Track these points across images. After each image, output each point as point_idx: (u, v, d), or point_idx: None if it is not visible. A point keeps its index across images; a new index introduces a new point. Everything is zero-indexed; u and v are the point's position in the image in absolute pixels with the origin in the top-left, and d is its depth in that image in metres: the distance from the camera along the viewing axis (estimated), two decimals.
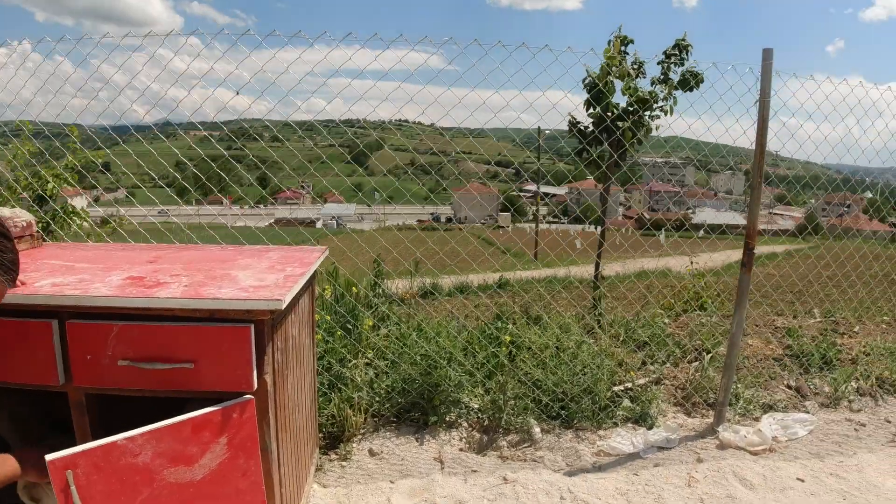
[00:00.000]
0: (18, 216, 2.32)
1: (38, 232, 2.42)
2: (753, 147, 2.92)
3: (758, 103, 2.86)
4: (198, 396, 1.65)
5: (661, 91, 4.11)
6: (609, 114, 3.87)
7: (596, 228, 4.30)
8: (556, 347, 3.44)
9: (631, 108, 3.95)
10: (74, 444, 1.76)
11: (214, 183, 4.03)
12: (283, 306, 1.57)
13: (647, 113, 4.05)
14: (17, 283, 1.69)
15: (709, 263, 5.97)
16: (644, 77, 4.16)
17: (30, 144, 3.79)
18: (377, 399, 3.01)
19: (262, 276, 1.80)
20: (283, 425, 1.88)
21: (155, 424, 1.52)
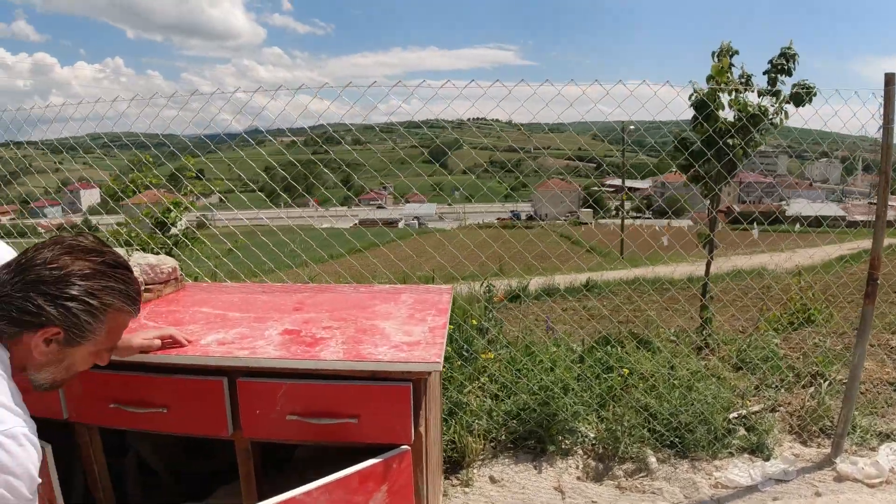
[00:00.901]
0: (164, 262, 2.50)
1: (180, 275, 2.60)
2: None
3: (881, 130, 2.71)
4: (348, 446, 1.75)
5: (771, 104, 3.95)
6: (717, 132, 3.76)
7: (709, 250, 4.14)
8: (670, 369, 3.41)
9: (740, 124, 3.82)
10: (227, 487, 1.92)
11: (301, 185, 4.18)
12: (441, 367, 1.64)
13: (756, 128, 3.90)
14: (185, 340, 1.84)
15: (807, 260, 5.72)
16: (752, 90, 4.01)
17: (152, 177, 4.04)
18: (495, 426, 3.07)
19: (409, 329, 1.88)
20: (428, 466, 1.96)
21: (327, 478, 1.61)
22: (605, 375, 3.29)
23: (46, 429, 1.91)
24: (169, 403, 1.80)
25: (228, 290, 2.61)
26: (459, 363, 3.19)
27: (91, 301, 1.30)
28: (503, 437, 3.08)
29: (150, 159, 4.25)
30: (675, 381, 3.28)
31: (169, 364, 1.78)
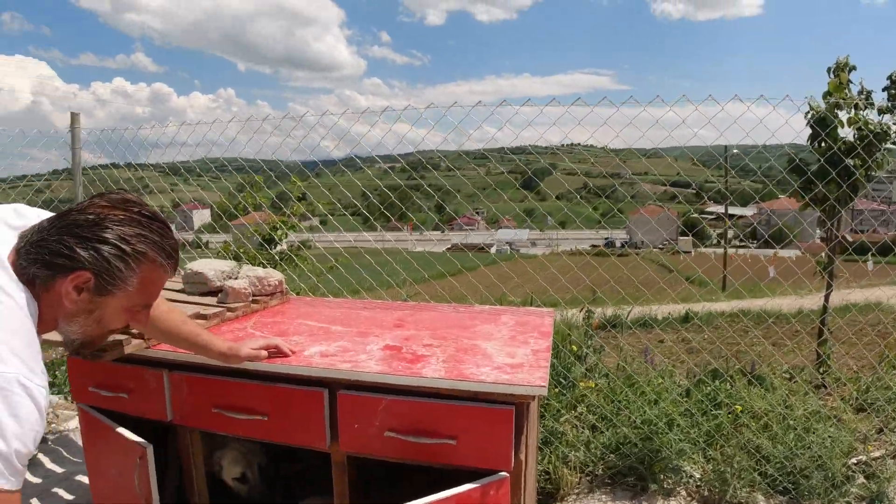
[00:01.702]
0: (271, 275, 2.56)
1: (286, 288, 2.66)
2: None
3: None
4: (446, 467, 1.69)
5: (894, 122, 3.64)
6: (838, 150, 3.50)
7: (828, 281, 3.84)
8: (786, 408, 3.15)
9: (862, 143, 3.54)
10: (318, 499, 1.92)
11: (395, 211, 4.22)
12: (545, 392, 1.57)
13: (882, 146, 3.60)
14: (289, 351, 1.86)
15: None
16: (873, 108, 3.72)
17: (261, 196, 4.23)
18: (592, 459, 2.93)
19: (511, 350, 1.82)
20: (526, 496, 1.87)
21: (423, 500, 1.57)
22: (713, 412, 3.08)
23: (148, 430, 2.00)
24: (269, 412, 1.82)
25: (331, 304, 2.64)
26: (557, 390, 3.08)
27: (123, 247, 1.25)
28: (600, 471, 2.94)
29: (261, 180, 4.45)
30: (791, 422, 3.02)
31: (272, 373, 1.81)
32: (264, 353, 1.80)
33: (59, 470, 3.23)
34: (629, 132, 2.97)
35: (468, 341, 1.94)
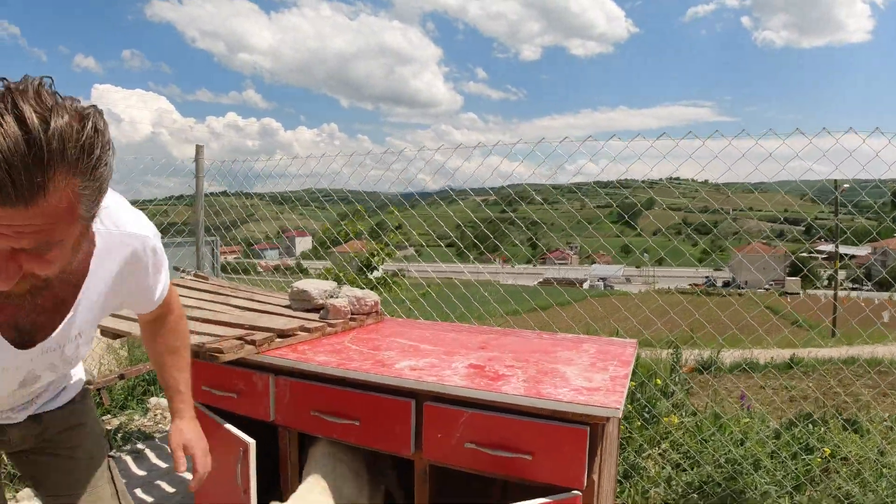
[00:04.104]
0: (368, 296, 2.75)
1: (381, 309, 2.84)
2: None
3: None
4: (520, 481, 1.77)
5: None
6: None
7: None
8: (879, 454, 2.99)
9: None
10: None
11: (488, 243, 4.34)
12: (620, 414, 1.63)
13: None
14: (380, 363, 2.02)
15: None
16: None
17: (362, 224, 4.50)
18: (673, 496, 2.90)
19: (589, 376, 1.90)
20: None
21: None
22: (803, 455, 2.96)
23: (252, 428, 2.20)
24: (361, 417, 1.98)
25: (421, 326, 2.80)
26: (639, 424, 3.08)
27: None
28: None
29: (364, 210, 4.73)
30: (885, 469, 2.87)
31: (365, 381, 1.97)
32: (180, 455, 1.53)
33: (163, 465, 3.54)
34: (729, 164, 2.93)
35: (549, 365, 2.02)
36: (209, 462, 1.57)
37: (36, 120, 0.76)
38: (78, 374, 1.58)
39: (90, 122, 0.83)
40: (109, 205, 1.15)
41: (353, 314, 2.66)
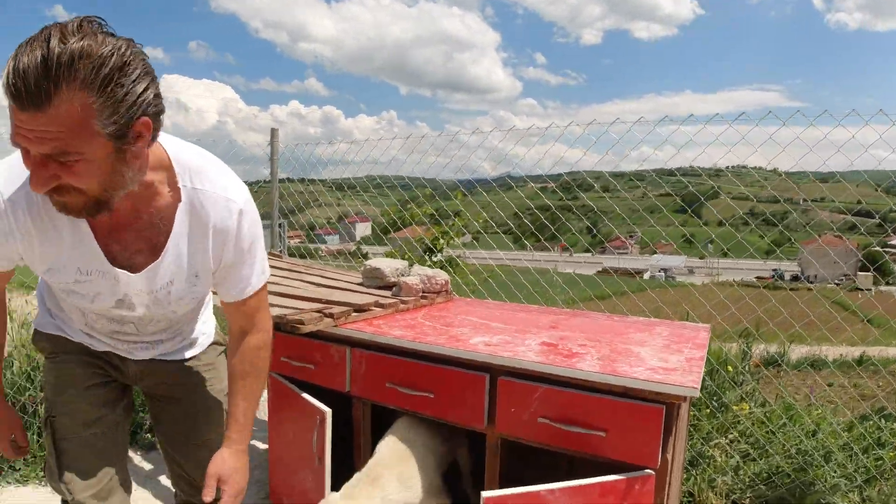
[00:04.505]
0: (438, 275, 2.81)
1: (450, 288, 2.90)
2: None
3: None
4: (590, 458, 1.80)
5: None
6: None
7: None
8: None
9: None
10: None
11: (546, 231, 4.33)
12: (697, 394, 1.64)
13: None
14: (454, 338, 2.07)
15: None
16: None
17: (427, 208, 4.57)
18: (740, 486, 2.86)
19: (664, 357, 1.90)
20: (669, 499, 1.93)
21: (571, 482, 1.69)
22: (876, 450, 2.88)
23: (329, 398, 2.29)
24: (435, 390, 2.04)
25: (490, 306, 2.84)
26: (708, 411, 3.04)
27: None
28: (748, 500, 2.86)
29: (428, 192, 4.80)
30: None
31: (440, 355, 2.02)
32: (211, 485, 1.43)
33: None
34: (799, 152, 2.83)
35: (622, 345, 2.04)
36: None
37: (56, 42, 0.91)
38: (203, 334, 1.70)
39: (111, 48, 0.96)
40: (202, 166, 1.30)
41: (423, 292, 2.72)
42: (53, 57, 0.90)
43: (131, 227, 1.26)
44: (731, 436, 3.03)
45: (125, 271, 1.29)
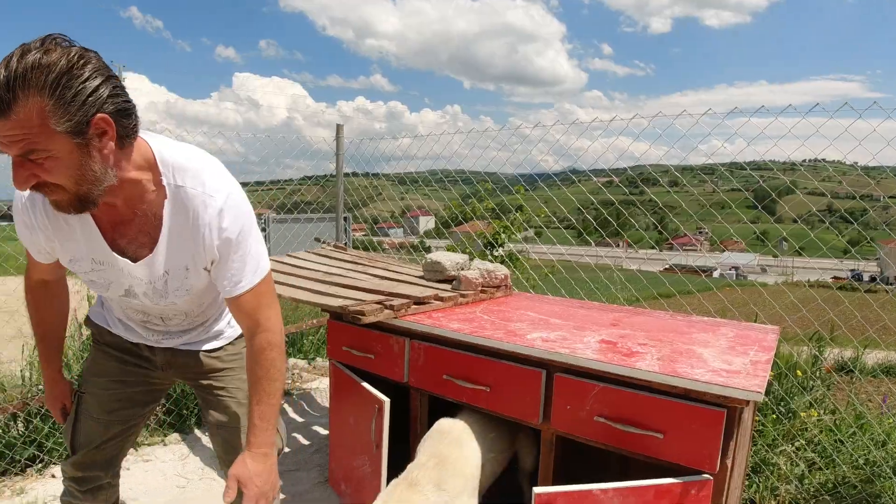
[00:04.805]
0: (498, 269, 2.82)
1: (510, 283, 2.91)
2: None
3: None
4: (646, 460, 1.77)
5: None
6: None
7: None
8: None
9: None
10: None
11: (610, 227, 4.26)
12: (761, 398, 1.59)
13: None
14: (511, 333, 2.08)
15: None
16: None
17: (488, 202, 4.58)
18: (804, 496, 2.76)
19: (728, 359, 1.85)
20: None
21: (624, 483, 1.68)
22: None
23: (387, 387, 2.34)
24: (492, 384, 2.05)
25: (549, 301, 2.84)
26: (774, 416, 2.94)
27: None
28: None
29: (489, 187, 4.81)
30: None
31: (498, 349, 2.04)
32: (232, 486, 1.47)
33: (299, 419, 3.82)
34: (877, 146, 2.63)
35: (684, 345, 2.00)
36: None
37: (15, 60, 1.05)
38: (231, 326, 1.80)
39: (59, 56, 1.08)
40: (185, 164, 1.37)
41: (483, 287, 2.74)
42: (11, 72, 1.04)
43: (132, 222, 1.38)
44: (797, 443, 2.92)
45: (127, 261, 1.41)
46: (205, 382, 1.77)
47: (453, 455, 2.02)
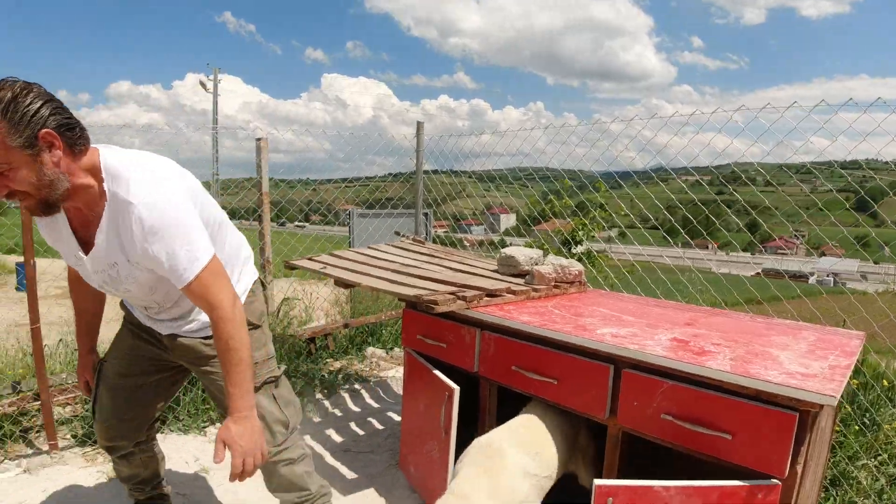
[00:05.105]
0: (572, 265, 2.82)
1: (584, 279, 2.91)
2: None
3: None
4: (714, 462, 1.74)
5: None
6: None
7: None
8: None
9: None
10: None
11: (702, 227, 4.13)
12: (836, 403, 1.54)
13: None
14: (581, 327, 2.10)
15: None
16: None
17: (567, 200, 4.56)
18: None
19: (805, 362, 1.80)
20: None
21: (688, 482, 1.67)
22: None
23: (458, 376, 2.40)
24: (560, 377, 2.08)
25: (624, 299, 2.82)
26: (857, 428, 2.80)
27: None
28: None
29: (569, 184, 4.79)
30: None
31: (566, 343, 2.06)
32: (220, 448, 1.60)
33: (374, 405, 3.95)
34: None
35: (760, 347, 1.95)
36: (247, 463, 1.62)
37: None
38: None
39: (10, 92, 1.36)
40: (121, 172, 1.54)
41: (556, 282, 2.75)
42: None
43: (92, 222, 1.61)
44: (880, 457, 2.77)
45: (83, 254, 1.66)
46: (203, 369, 1.95)
47: (496, 466, 1.97)
